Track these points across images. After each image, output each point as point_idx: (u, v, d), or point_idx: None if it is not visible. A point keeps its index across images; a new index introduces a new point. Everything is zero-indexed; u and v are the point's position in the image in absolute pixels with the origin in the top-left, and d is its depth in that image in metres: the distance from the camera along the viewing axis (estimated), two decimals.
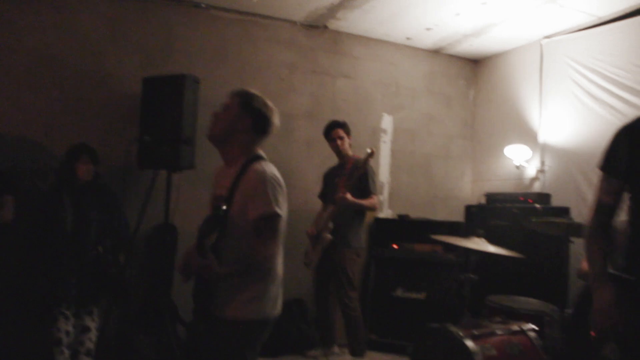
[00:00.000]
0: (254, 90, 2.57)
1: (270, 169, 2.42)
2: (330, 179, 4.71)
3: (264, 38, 5.39)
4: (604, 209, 2.04)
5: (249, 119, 2.47)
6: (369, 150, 4.24)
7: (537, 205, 4.70)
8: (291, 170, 5.35)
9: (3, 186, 4.08)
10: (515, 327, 3.16)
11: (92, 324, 4.05)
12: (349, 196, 4.31)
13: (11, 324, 4.32)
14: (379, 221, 5.59)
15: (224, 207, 2.36)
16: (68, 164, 4.12)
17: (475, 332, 3.04)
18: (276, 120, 2.53)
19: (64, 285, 3.94)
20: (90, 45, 4.72)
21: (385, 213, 5.89)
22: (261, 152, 2.53)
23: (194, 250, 2.32)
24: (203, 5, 5.08)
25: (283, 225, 2.42)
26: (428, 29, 5.51)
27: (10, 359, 4.32)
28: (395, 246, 5.32)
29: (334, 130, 4.62)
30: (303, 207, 4.95)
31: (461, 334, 2.96)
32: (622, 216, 2.04)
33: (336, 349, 4.80)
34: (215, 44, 5.17)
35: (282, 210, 2.37)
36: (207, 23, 5.14)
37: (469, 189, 6.22)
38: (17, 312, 4.34)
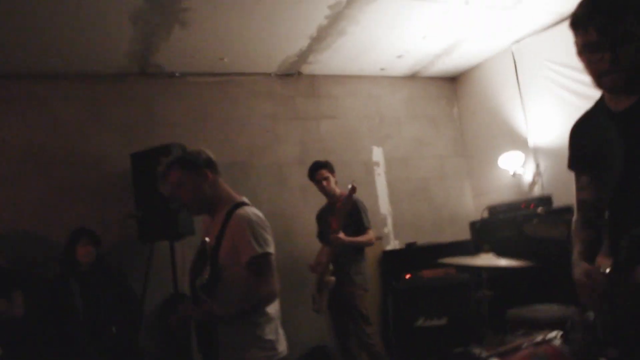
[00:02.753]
0: (173, 154, 2.60)
1: (253, 211, 2.47)
2: (324, 219, 4.70)
3: (242, 94, 5.47)
4: (584, 205, 2.04)
5: (205, 172, 2.50)
6: (349, 186, 4.24)
7: (539, 210, 4.67)
8: (289, 218, 5.37)
9: (11, 282, 4.10)
10: (539, 338, 3.09)
11: None
12: (342, 236, 4.29)
13: None
14: (388, 254, 5.56)
15: (207, 239, 2.40)
16: (69, 250, 4.15)
17: (500, 349, 2.97)
18: (211, 154, 2.58)
19: None
20: (75, 131, 4.80)
21: (393, 244, 5.86)
22: (244, 199, 2.57)
23: (188, 302, 2.36)
24: (177, 75, 5.18)
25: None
26: (399, 57, 5.58)
27: None
28: (407, 276, 5.27)
29: (317, 173, 4.63)
30: (307, 252, 4.92)
31: (485, 354, 2.90)
32: None
33: None
34: (195, 108, 5.24)
35: (271, 249, 2.42)
36: (184, 90, 5.23)
37: (472, 205, 6.20)
38: None
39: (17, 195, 4.55)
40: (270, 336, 2.43)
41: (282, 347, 2.50)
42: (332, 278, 4.33)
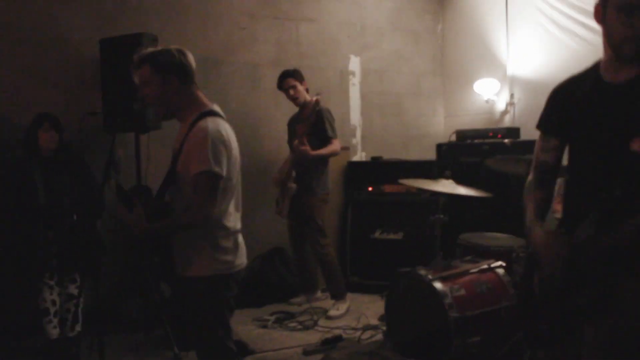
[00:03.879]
0: (151, 47, 2.49)
1: (216, 125, 2.36)
2: (293, 127, 4.69)
3: None
4: (542, 166, 2.08)
5: (172, 79, 2.41)
6: (314, 98, 4.22)
7: (506, 141, 4.74)
8: (260, 120, 5.34)
9: None
10: (484, 266, 3.26)
11: (76, 291, 4.11)
12: (307, 149, 4.30)
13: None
14: (353, 165, 5.62)
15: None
16: (31, 134, 4.08)
17: (445, 273, 3.13)
18: (191, 61, 2.46)
19: (44, 256, 3.98)
20: (44, 10, 4.53)
21: (359, 155, 5.92)
22: (215, 107, 2.48)
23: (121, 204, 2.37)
24: None
25: (229, 184, 2.40)
26: None
27: (2, 331, 4.39)
28: (370, 188, 5.37)
29: (284, 81, 4.57)
30: (275, 155, 4.94)
31: (430, 276, 3.05)
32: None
33: (319, 294, 4.93)
34: None
35: (223, 168, 2.33)
36: None
37: (442, 126, 6.24)
38: (2, 286, 4.38)
39: None
40: (227, 249, 2.45)
41: (241, 260, 2.55)
42: (294, 185, 4.39)
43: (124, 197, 2.39)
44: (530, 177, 2.15)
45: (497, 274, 3.23)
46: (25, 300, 4.20)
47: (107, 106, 4.27)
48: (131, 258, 4.74)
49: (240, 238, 2.56)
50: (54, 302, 4.02)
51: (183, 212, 2.37)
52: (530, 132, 4.92)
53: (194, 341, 2.66)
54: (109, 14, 4.73)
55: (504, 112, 5.51)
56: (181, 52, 2.45)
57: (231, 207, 2.48)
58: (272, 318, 4.44)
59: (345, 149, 5.27)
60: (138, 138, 4.39)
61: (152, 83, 2.41)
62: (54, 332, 4.03)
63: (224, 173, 2.33)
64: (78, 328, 4.09)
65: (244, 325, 4.32)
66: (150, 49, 2.48)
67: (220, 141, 2.34)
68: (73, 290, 4.10)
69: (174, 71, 2.41)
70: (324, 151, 4.48)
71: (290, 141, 4.80)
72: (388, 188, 5.29)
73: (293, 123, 4.74)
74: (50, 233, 3.98)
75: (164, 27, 4.69)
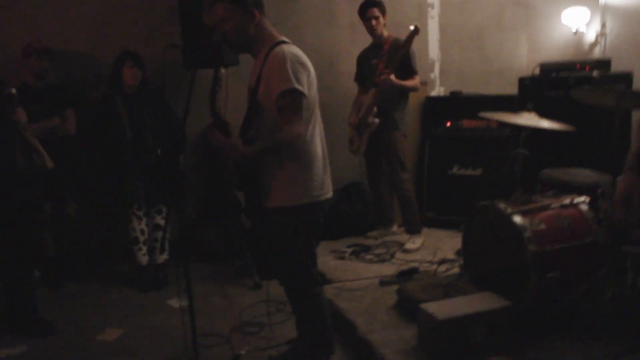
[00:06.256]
0: None
1: (291, 49, 2.42)
2: (366, 61, 4.62)
3: None
4: None
5: (249, 12, 2.43)
6: (412, 27, 4.07)
7: (595, 73, 4.48)
8: (336, 55, 5.31)
9: (63, 100, 4.27)
10: (566, 201, 3.15)
11: (162, 221, 4.34)
12: (393, 78, 4.23)
13: (90, 228, 4.68)
14: (431, 100, 5.50)
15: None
16: (116, 72, 4.24)
17: (524, 207, 3.05)
18: None
19: (132, 189, 4.20)
20: None
21: (437, 90, 5.78)
22: (284, 38, 2.51)
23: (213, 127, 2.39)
24: None
25: (310, 104, 2.43)
26: None
27: (96, 257, 4.73)
28: (448, 124, 5.27)
29: (369, 10, 4.46)
30: (352, 92, 4.90)
31: (509, 210, 2.99)
32: None
33: (395, 228, 4.97)
34: None
35: (304, 87, 2.37)
36: None
37: (525, 60, 5.93)
38: (94, 217, 4.68)
39: (65, 13, 4.56)
40: (316, 175, 2.50)
41: (328, 188, 2.60)
42: (376, 120, 4.35)
43: (219, 123, 2.45)
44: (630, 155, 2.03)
45: (580, 210, 3.12)
46: (117, 230, 4.49)
47: (186, 41, 4.35)
48: (213, 190, 4.93)
49: (328, 165, 2.59)
50: (142, 232, 4.28)
51: (272, 134, 2.41)
52: (623, 64, 4.64)
53: (277, 270, 2.77)
54: None
55: (594, 44, 5.19)
56: None
57: (316, 132, 2.52)
58: (349, 250, 4.53)
59: (423, 83, 5.15)
60: (217, 73, 4.46)
61: (232, 18, 2.44)
62: (144, 259, 4.31)
63: (306, 92, 2.36)
64: (165, 256, 4.35)
65: (322, 257, 4.40)
66: None
67: (299, 62, 2.40)
68: (159, 220, 4.35)
69: (251, 3, 2.43)
70: (408, 83, 4.40)
71: (359, 77, 4.74)
72: (467, 123, 5.17)
73: (365, 58, 4.66)
74: (137, 166, 4.19)
75: None
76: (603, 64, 4.68)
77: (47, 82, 4.29)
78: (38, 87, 4.22)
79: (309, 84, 2.44)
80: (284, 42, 2.49)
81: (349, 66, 5.05)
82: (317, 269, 2.75)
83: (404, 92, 4.49)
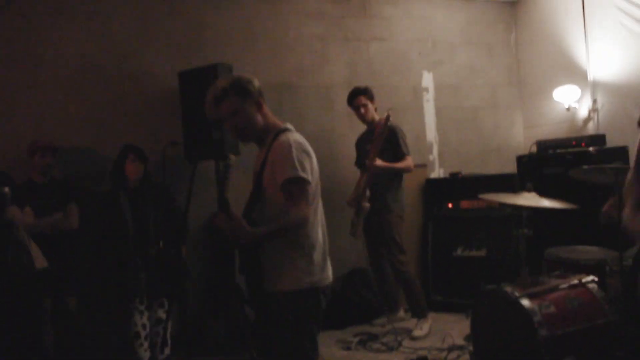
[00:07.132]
0: (226, 77, 2.54)
1: (295, 137, 2.44)
2: (362, 146, 4.71)
3: (291, 13, 5.34)
4: None
5: (256, 102, 2.48)
6: (386, 114, 4.21)
7: (591, 149, 4.53)
8: (334, 141, 5.39)
9: (66, 195, 4.30)
10: (574, 281, 3.10)
11: (164, 315, 4.25)
12: (379, 162, 4.30)
13: (91, 324, 4.58)
14: (431, 182, 5.54)
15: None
16: (118, 166, 4.29)
17: (532, 290, 3.00)
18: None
19: (134, 282, 4.14)
20: (125, 47, 4.81)
21: (437, 172, 5.83)
22: (288, 125, 2.54)
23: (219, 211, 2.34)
24: None
25: (313, 190, 2.43)
26: None
27: (96, 354, 4.60)
28: (450, 205, 5.27)
29: (356, 99, 4.60)
30: (352, 175, 4.93)
31: (517, 293, 2.93)
32: None
33: (402, 313, 4.86)
34: (244, 26, 5.16)
35: (309, 175, 2.38)
36: (234, 7, 5.14)
37: (521, 137, 6.04)
38: (95, 312, 4.59)
39: (68, 109, 4.67)
40: (317, 261, 2.47)
41: (329, 273, 2.56)
42: (368, 204, 4.36)
43: (225, 206, 2.43)
44: (629, 176, 2.05)
45: (589, 289, 3.06)
46: (117, 325, 4.39)
47: (187, 136, 4.44)
48: (215, 281, 4.87)
49: (327, 251, 2.57)
50: (144, 326, 4.18)
51: (278, 218, 2.39)
52: (617, 139, 4.70)
53: (276, 355, 2.67)
54: (186, 47, 4.96)
55: (587, 119, 5.27)
56: (254, 78, 2.53)
57: (318, 218, 2.51)
58: (356, 340, 4.41)
59: (422, 166, 5.21)
60: (217, 165, 4.53)
61: (242, 111, 2.48)
62: (145, 355, 4.18)
63: (310, 180, 2.39)
64: (167, 351, 4.22)
65: (328, 348, 4.32)
66: (224, 81, 2.56)
67: (303, 150, 2.42)
68: (162, 314, 4.25)
69: (256, 95, 2.49)
70: (396, 165, 4.46)
71: (358, 161, 4.81)
72: (467, 204, 5.17)
73: (362, 143, 4.76)
74: (139, 260, 4.15)
75: (237, 57, 4.84)
76: (598, 139, 4.74)
77: (52, 177, 4.33)
78: (43, 183, 4.25)
79: (312, 170, 2.47)
80: (287, 129, 2.54)
81: (347, 151, 5.13)
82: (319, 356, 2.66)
83: (395, 174, 4.53)
